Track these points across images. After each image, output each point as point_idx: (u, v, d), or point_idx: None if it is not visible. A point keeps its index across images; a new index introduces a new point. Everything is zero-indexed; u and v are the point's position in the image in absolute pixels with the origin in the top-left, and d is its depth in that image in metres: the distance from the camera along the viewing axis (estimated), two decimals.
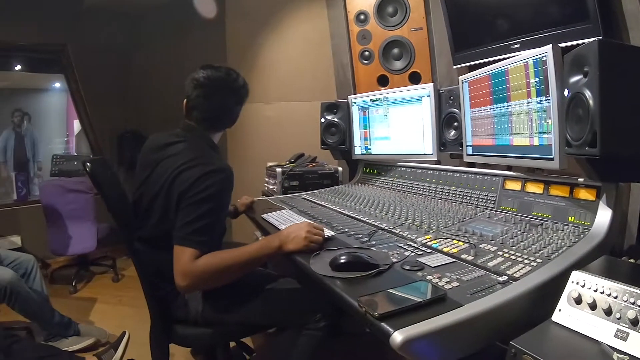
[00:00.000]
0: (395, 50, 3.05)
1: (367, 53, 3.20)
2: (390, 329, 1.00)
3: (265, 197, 2.87)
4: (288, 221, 2.02)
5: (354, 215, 2.08)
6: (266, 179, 3.28)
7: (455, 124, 2.35)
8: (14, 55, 7.21)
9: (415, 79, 3.02)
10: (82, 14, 5.21)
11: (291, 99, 3.91)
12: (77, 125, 9.26)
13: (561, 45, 1.63)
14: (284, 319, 1.86)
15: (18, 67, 7.91)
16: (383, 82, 3.18)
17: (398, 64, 3.06)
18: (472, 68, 2.32)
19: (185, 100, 1.94)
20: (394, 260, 1.42)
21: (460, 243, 1.53)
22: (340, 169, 3.13)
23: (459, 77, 2.23)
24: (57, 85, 9.79)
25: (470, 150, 2.20)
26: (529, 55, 1.73)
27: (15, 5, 4.75)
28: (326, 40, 3.56)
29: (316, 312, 1.83)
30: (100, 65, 5.50)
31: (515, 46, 2.08)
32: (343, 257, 1.39)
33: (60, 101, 10.12)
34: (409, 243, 1.59)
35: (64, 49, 5.31)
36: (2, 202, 5.54)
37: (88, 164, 1.84)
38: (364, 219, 1.99)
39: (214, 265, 1.60)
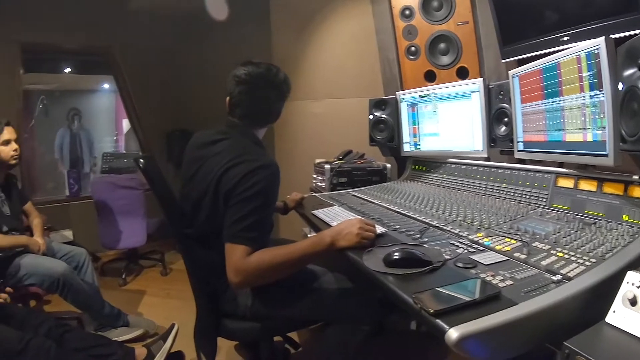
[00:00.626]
0: (442, 45, 3.00)
1: (413, 48, 3.15)
2: (445, 326, 1.00)
3: (314, 194, 2.89)
4: (339, 217, 2.03)
5: (404, 212, 2.06)
6: (314, 176, 3.29)
7: (506, 119, 2.30)
8: (64, 58, 7.47)
9: (462, 74, 2.96)
10: (128, 16, 5.32)
11: (338, 96, 3.90)
12: (126, 124, 9.51)
13: (612, 36, 1.57)
14: (333, 315, 1.86)
15: (68, 70, 8.18)
16: (430, 77, 3.12)
17: (445, 59, 3.01)
18: (520, 62, 2.27)
19: (227, 97, 1.96)
20: (447, 257, 1.41)
21: (513, 241, 1.50)
22: (388, 165, 3.12)
23: (509, 72, 2.18)
24: (106, 86, 10.06)
25: (521, 147, 2.15)
26: (581, 48, 1.67)
27: (63, 10, 4.90)
28: (371, 36, 3.52)
29: (364, 309, 1.85)
30: (148, 66, 5.64)
31: (565, 39, 2.00)
32: (397, 254, 1.38)
33: (109, 101, 10.40)
34: (461, 240, 1.57)
35: (112, 50, 5.46)
36: (56, 197, 5.74)
37: (141, 160, 1.89)
38: (415, 216, 1.97)
39: (266, 262, 1.62)
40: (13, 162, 3.06)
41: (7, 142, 3.01)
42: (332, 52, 3.94)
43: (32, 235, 3.15)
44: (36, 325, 2.25)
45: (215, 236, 1.74)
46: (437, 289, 1.18)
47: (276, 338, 2.51)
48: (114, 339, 2.66)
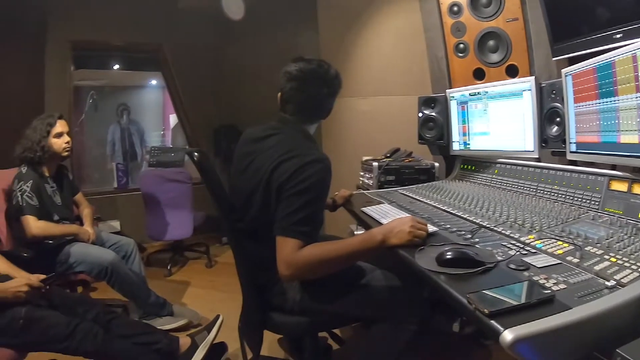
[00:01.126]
0: (491, 42, 2.93)
1: (462, 46, 3.10)
2: (500, 327, 0.99)
3: (362, 191, 2.89)
4: (388, 215, 2.03)
5: (454, 212, 2.04)
6: (361, 173, 3.27)
7: (558, 119, 2.25)
8: (114, 55, 7.65)
9: (512, 72, 2.89)
10: (176, 14, 5.43)
11: (385, 93, 3.87)
12: (173, 119, 9.69)
13: None
14: (381, 312, 1.85)
15: (116, 67, 8.36)
16: (479, 75, 3.07)
17: (494, 57, 2.94)
18: (571, 60, 2.22)
19: (279, 93, 1.97)
20: (499, 258, 1.39)
21: (565, 244, 1.47)
22: (436, 164, 3.08)
23: (562, 71, 2.12)
24: (154, 82, 10.25)
25: (573, 148, 2.09)
26: (637, 46, 1.62)
27: (113, 9, 5.05)
28: (419, 33, 3.49)
29: (412, 308, 1.83)
30: (196, 63, 5.73)
31: (617, 36, 1.94)
32: (449, 253, 1.38)
33: (157, 97, 10.60)
34: (512, 242, 1.55)
35: (160, 48, 5.58)
36: (104, 189, 5.95)
37: (196, 154, 1.91)
38: (465, 216, 1.95)
39: (317, 256, 1.63)
40: (65, 154, 3.15)
41: (59, 135, 3.11)
42: (379, 50, 3.92)
43: (82, 224, 3.25)
44: (84, 311, 2.32)
45: (266, 230, 1.75)
46: (491, 289, 1.17)
47: (320, 334, 2.52)
48: (158, 327, 2.72)
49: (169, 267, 4.50)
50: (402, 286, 1.88)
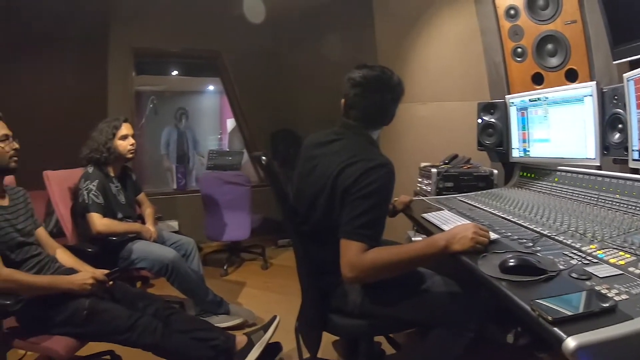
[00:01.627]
0: (550, 46, 2.85)
1: (519, 50, 3.03)
2: (563, 335, 0.99)
3: (421, 197, 2.88)
4: (449, 222, 2.02)
5: (514, 220, 2.02)
6: (419, 179, 3.26)
7: (620, 126, 2.17)
8: (173, 61, 7.86)
9: (571, 76, 2.80)
10: (233, 21, 5.55)
11: (443, 99, 3.84)
12: (230, 124, 9.86)
13: None
14: (440, 318, 1.85)
15: (175, 72, 8.59)
16: (538, 80, 2.99)
17: (553, 61, 2.86)
18: (632, 63, 2.16)
19: (343, 99, 2.00)
20: (561, 267, 1.38)
21: (627, 255, 1.43)
22: (495, 171, 3.03)
23: (624, 75, 2.06)
24: (211, 87, 10.46)
25: (636, 155, 2.02)
26: None
27: (172, 17, 5.24)
28: (476, 37, 3.45)
29: (470, 315, 1.83)
30: (253, 68, 5.85)
31: None
32: (512, 260, 1.38)
33: (214, 102, 10.81)
34: (574, 251, 1.52)
35: (219, 54, 5.73)
36: (164, 190, 6.16)
37: (263, 157, 1.96)
38: (525, 224, 1.92)
39: (381, 260, 1.66)
40: (130, 155, 3.28)
41: (125, 137, 3.24)
42: (437, 55, 3.89)
43: (144, 223, 3.37)
44: (145, 305, 2.42)
45: (329, 233, 1.79)
46: (554, 297, 1.17)
47: (376, 338, 2.53)
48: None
49: (225, 267, 4.61)
50: (462, 293, 1.88)
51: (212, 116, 10.78)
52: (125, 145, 3.24)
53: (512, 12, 3.02)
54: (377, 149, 1.97)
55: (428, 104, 3.92)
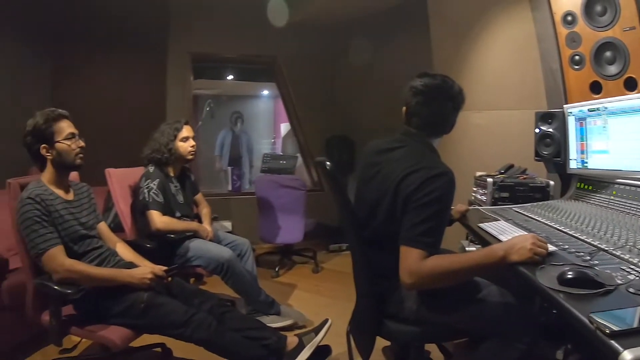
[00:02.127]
0: (608, 54, 2.68)
1: (577, 57, 2.88)
2: (620, 347, 0.99)
3: (477, 207, 2.83)
4: (506, 232, 1.97)
5: (570, 233, 1.94)
6: (474, 189, 3.19)
7: None
8: (229, 66, 8.02)
9: (630, 85, 2.62)
10: (289, 27, 5.60)
11: (499, 107, 3.74)
12: (283, 128, 9.98)
13: None
14: (494, 328, 1.82)
15: (230, 77, 8.75)
16: (596, 89, 2.81)
17: (612, 69, 2.68)
18: None
19: (404, 107, 2.01)
20: (619, 282, 1.34)
21: None
22: (552, 182, 2.93)
23: None
24: (265, 92, 10.62)
25: None
26: None
27: (230, 23, 5.37)
28: (532, 44, 3.31)
29: (525, 327, 1.80)
30: (309, 74, 5.90)
31: None
32: (570, 273, 1.36)
33: (268, 106, 10.97)
34: (632, 266, 1.47)
35: (275, 60, 5.80)
36: (218, 191, 6.35)
37: (327, 162, 1.96)
38: (582, 238, 1.85)
39: (440, 268, 1.66)
40: (190, 157, 3.37)
41: (185, 139, 3.33)
42: (493, 62, 3.80)
43: (200, 222, 3.44)
44: (200, 302, 2.47)
45: (389, 239, 1.80)
46: (612, 311, 1.15)
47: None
48: None
49: (276, 269, 4.65)
50: (517, 304, 1.85)
51: (266, 120, 10.95)
52: (185, 146, 3.33)
53: (569, 18, 2.90)
54: (438, 157, 1.97)
55: (484, 111, 3.83)
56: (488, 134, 3.79)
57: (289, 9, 5.33)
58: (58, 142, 2.30)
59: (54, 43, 4.85)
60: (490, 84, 3.79)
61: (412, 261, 1.67)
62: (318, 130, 6.04)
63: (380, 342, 2.09)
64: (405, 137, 2.00)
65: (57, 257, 2.19)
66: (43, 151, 2.30)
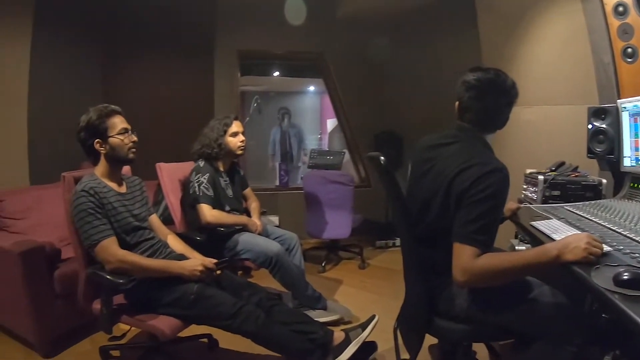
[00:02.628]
0: None
1: (630, 50, 2.76)
2: None
3: (528, 205, 2.77)
4: (559, 231, 1.91)
5: (625, 233, 1.86)
6: (524, 186, 3.09)
7: None
8: (275, 63, 8.07)
9: None
10: (336, 23, 5.64)
11: (550, 102, 3.61)
12: (330, 124, 9.99)
13: None
14: (545, 329, 1.79)
15: (276, 73, 8.80)
16: None
17: None
18: None
19: (457, 102, 1.98)
20: None
21: None
22: (604, 181, 2.80)
23: None
24: (311, 88, 10.65)
25: None
26: None
27: (276, 20, 5.37)
28: (583, 36, 3.19)
29: (577, 329, 1.75)
30: (356, 69, 5.88)
31: None
32: (626, 274, 1.31)
33: (314, 102, 11.00)
34: None
35: (322, 56, 5.79)
36: (266, 186, 6.45)
37: (382, 158, 1.96)
38: (637, 238, 1.77)
39: (493, 266, 1.64)
40: (239, 152, 3.41)
41: (235, 134, 3.37)
42: (542, 55, 3.68)
43: (249, 216, 3.48)
44: (249, 295, 2.51)
45: (442, 236, 1.79)
46: None
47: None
48: None
49: (323, 264, 4.66)
50: (569, 305, 1.81)
51: (313, 116, 10.98)
52: (235, 142, 3.36)
53: (620, 9, 2.78)
54: (492, 153, 1.94)
55: (534, 107, 3.71)
56: (538, 130, 3.68)
57: (335, 5, 5.36)
58: (111, 136, 2.36)
59: (104, 43, 5.00)
60: (540, 78, 3.68)
61: (465, 259, 1.65)
62: (365, 126, 6.00)
63: (427, 340, 2.05)
64: (459, 132, 1.98)
65: (110, 248, 2.25)
66: (97, 146, 2.36)
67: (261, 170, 8.54)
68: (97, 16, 4.74)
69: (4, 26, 3.65)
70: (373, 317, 2.68)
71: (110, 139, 2.36)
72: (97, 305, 2.38)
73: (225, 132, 3.34)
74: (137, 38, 5.07)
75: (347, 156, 5.81)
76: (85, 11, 4.49)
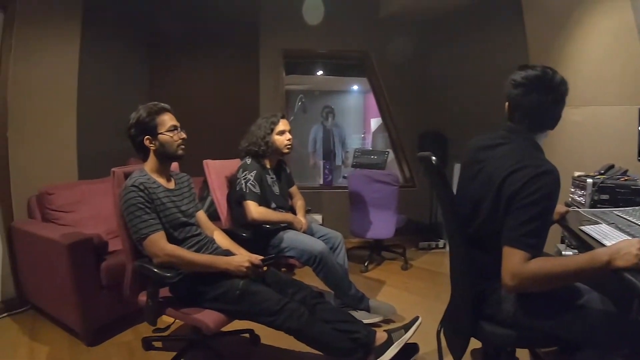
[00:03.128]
0: None
1: None
2: None
3: (576, 209, 2.70)
4: (609, 237, 1.85)
5: None
6: (572, 189, 3.00)
7: None
8: (319, 62, 8.09)
9: None
10: (380, 22, 5.62)
11: (599, 103, 3.50)
12: (373, 123, 9.97)
13: None
14: (592, 337, 1.74)
15: (320, 72, 8.81)
16: None
17: None
18: None
19: (507, 102, 1.95)
20: None
21: None
22: None
23: None
24: (355, 87, 10.63)
25: None
26: None
27: (321, 19, 5.38)
28: (633, 35, 3.07)
29: (625, 338, 1.70)
30: (401, 68, 5.82)
31: None
32: None
33: (358, 101, 10.98)
34: None
35: (366, 55, 5.77)
36: (310, 184, 6.42)
37: (433, 157, 1.93)
38: None
39: (543, 270, 1.61)
40: (286, 150, 3.43)
41: (282, 132, 3.39)
42: (590, 54, 3.55)
43: (295, 214, 3.50)
44: (293, 292, 2.53)
45: (491, 238, 1.77)
46: None
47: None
48: None
49: (365, 264, 4.65)
50: (618, 313, 1.75)
51: (356, 115, 10.96)
52: (282, 140, 3.39)
53: None
54: (542, 155, 1.89)
55: (581, 107, 3.59)
56: (586, 131, 3.56)
57: (379, 4, 5.34)
58: (161, 133, 2.42)
59: (151, 44, 5.13)
60: (588, 78, 3.55)
61: (515, 263, 1.63)
62: (410, 125, 5.94)
63: (471, 344, 2.03)
64: (509, 133, 1.94)
65: (159, 242, 2.30)
66: (147, 142, 2.42)
67: (303, 169, 8.57)
68: (144, 17, 4.86)
69: (54, 29, 3.75)
70: (417, 318, 2.66)
71: (160, 136, 2.42)
72: (142, 297, 2.44)
73: (272, 130, 3.36)
74: (183, 38, 5.18)
75: (391, 156, 5.77)
76: (132, 13, 4.60)
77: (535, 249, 1.63)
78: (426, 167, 2.00)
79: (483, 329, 1.93)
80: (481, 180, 1.88)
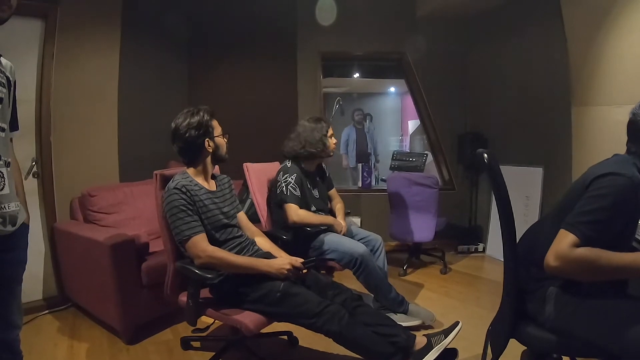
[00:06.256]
0: None
1: None
2: None
3: None
4: None
5: None
6: None
7: None
8: (356, 64, 8.07)
9: None
10: (417, 23, 5.59)
11: None
12: (410, 125, 9.89)
13: None
14: (636, 355, 1.63)
15: (356, 75, 8.79)
16: None
17: None
18: None
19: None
20: None
21: None
22: None
23: None
24: (392, 89, 10.55)
25: None
26: None
27: (358, 21, 5.43)
28: None
29: None
30: (440, 69, 5.77)
31: None
32: None
33: (395, 103, 10.90)
34: None
35: (404, 56, 5.72)
36: (348, 187, 6.42)
37: (485, 155, 1.89)
38: None
39: (589, 258, 1.59)
40: (332, 153, 3.47)
41: (332, 136, 3.43)
42: (633, 50, 3.43)
43: (334, 217, 3.50)
44: (334, 294, 2.51)
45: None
46: None
47: None
48: None
49: (404, 267, 4.61)
50: None
51: (393, 117, 10.89)
52: (331, 143, 3.43)
53: None
54: (635, 169, 1.78)
55: (624, 106, 3.47)
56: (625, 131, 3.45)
57: (415, 4, 5.31)
58: (216, 136, 2.51)
59: (190, 49, 5.20)
60: (630, 75, 3.45)
61: (563, 245, 1.63)
62: (449, 127, 5.88)
63: (521, 346, 1.99)
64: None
65: (201, 244, 2.33)
66: (206, 144, 2.48)
67: (337, 171, 8.56)
68: (182, 23, 4.92)
69: (95, 35, 3.86)
70: (457, 323, 2.63)
71: (216, 139, 2.51)
72: (183, 297, 2.48)
73: (326, 132, 3.39)
74: (221, 43, 5.25)
75: (429, 158, 5.72)
76: (170, 18, 4.66)
77: (587, 238, 1.62)
78: (482, 165, 1.95)
79: (522, 330, 1.91)
80: (575, 183, 1.87)
